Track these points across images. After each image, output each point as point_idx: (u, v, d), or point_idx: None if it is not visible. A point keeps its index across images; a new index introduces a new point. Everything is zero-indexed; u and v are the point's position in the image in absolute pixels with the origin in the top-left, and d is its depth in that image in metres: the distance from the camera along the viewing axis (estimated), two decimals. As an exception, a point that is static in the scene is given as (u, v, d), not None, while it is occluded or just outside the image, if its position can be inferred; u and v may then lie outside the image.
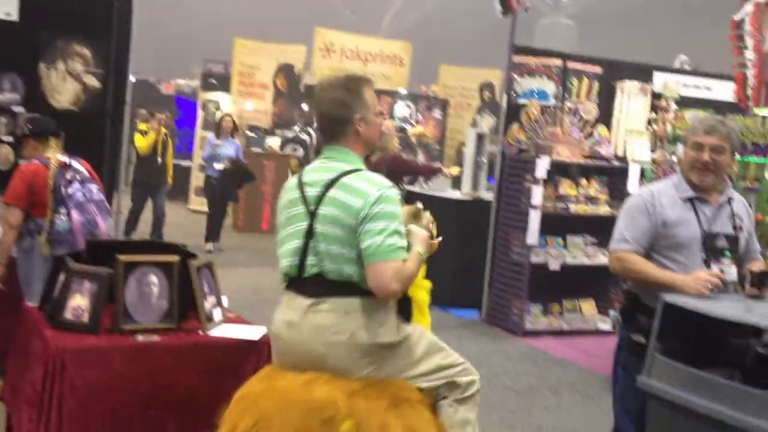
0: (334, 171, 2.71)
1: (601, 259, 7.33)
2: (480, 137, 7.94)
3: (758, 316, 3.01)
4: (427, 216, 3.24)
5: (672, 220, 3.16)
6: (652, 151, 6.70)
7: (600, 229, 7.39)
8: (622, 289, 6.89)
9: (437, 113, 15.20)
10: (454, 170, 8.73)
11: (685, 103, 6.92)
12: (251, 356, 3.29)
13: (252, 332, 3.36)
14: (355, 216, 2.61)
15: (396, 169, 8.46)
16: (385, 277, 2.58)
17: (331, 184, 2.67)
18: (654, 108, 7.38)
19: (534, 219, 6.94)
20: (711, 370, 3.07)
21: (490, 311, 7.50)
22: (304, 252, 2.70)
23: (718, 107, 6.83)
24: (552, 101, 7.12)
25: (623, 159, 7.38)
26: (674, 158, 5.85)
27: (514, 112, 7.24)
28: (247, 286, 8.21)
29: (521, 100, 7.21)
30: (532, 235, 6.96)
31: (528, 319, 7.14)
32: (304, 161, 13.31)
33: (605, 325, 7.32)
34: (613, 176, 7.34)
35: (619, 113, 7.52)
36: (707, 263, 3.15)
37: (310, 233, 2.68)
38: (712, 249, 3.18)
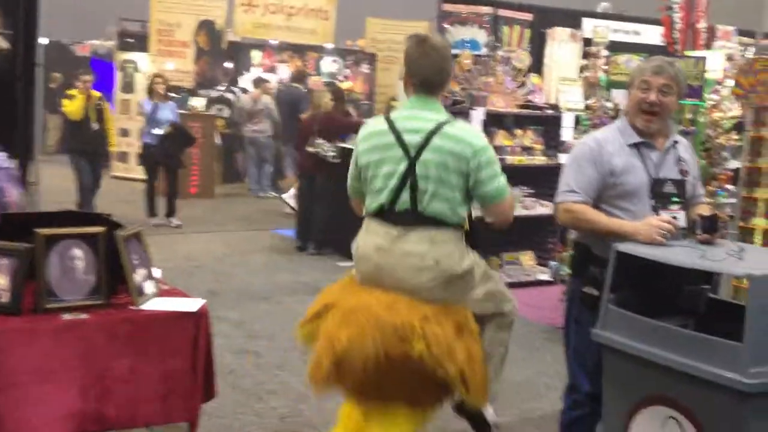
0: (431, 121, 3.02)
1: (539, 209, 7.32)
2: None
3: (710, 261, 2.97)
4: None
5: (619, 168, 3.07)
6: (586, 98, 6.64)
7: (536, 179, 7.36)
8: (561, 239, 6.89)
9: (365, 68, 14.96)
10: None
11: (615, 48, 6.86)
12: (188, 329, 3.10)
13: (188, 304, 3.16)
14: (466, 162, 2.98)
15: (328, 127, 8.25)
16: (509, 210, 3.16)
17: (433, 132, 2.99)
18: (585, 55, 7.32)
19: (471, 172, 6.83)
20: (665, 319, 3.04)
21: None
22: (397, 189, 3.03)
23: (649, 51, 6.79)
24: (484, 51, 6.99)
25: (556, 107, 7.33)
26: (609, 105, 5.79)
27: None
28: (179, 255, 7.94)
29: (453, 51, 7.04)
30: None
31: (469, 273, 7.07)
32: (230, 121, 12.95)
33: (545, 275, 7.33)
34: (548, 125, 7.29)
35: (550, 61, 7.44)
36: (656, 210, 3.08)
37: (408, 174, 3.01)
38: (660, 195, 3.11)
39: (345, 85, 12.22)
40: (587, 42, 7.32)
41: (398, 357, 2.94)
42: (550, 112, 7.26)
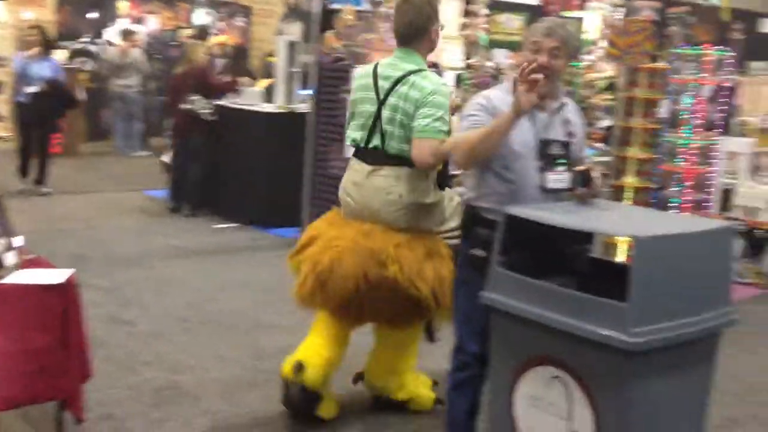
0: (402, 70, 3.38)
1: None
2: (291, 46, 7.54)
3: (597, 223, 3.00)
4: None
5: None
6: (467, 57, 6.63)
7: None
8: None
9: (240, 21, 14.47)
10: (263, 83, 8.29)
11: (496, 7, 6.88)
12: (55, 302, 2.88)
13: (54, 275, 2.92)
14: (413, 104, 3.31)
15: (203, 82, 7.92)
16: (426, 152, 3.29)
17: (399, 80, 3.36)
18: (466, 13, 7.29)
19: (352, 130, 6.73)
20: (550, 280, 3.06)
21: (312, 228, 7.28)
22: (371, 130, 3.42)
23: (528, 11, 6.86)
24: (366, 6, 6.84)
25: (437, 66, 7.28)
26: (490, 64, 5.80)
27: (327, 19, 6.89)
28: (43, 218, 7.46)
29: (334, 5, 6.87)
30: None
31: (350, 233, 7.00)
32: (95, 75, 12.22)
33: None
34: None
35: (432, 18, 7.38)
36: (542, 171, 3.07)
37: (377, 116, 3.40)
38: (546, 156, 3.09)
39: (219, 39, 11.78)
40: (468, 0, 7.30)
41: (375, 278, 3.37)
42: (431, 70, 7.20)
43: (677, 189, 6.07)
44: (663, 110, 6.17)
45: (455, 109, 5.45)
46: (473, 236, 3.11)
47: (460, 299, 3.20)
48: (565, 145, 3.13)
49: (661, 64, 6.17)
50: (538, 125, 3.09)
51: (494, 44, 5.79)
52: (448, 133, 3.35)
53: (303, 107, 7.47)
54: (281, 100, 7.62)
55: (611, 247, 5.24)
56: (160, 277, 5.88)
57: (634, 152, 5.98)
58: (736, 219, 6.22)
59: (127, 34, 11.98)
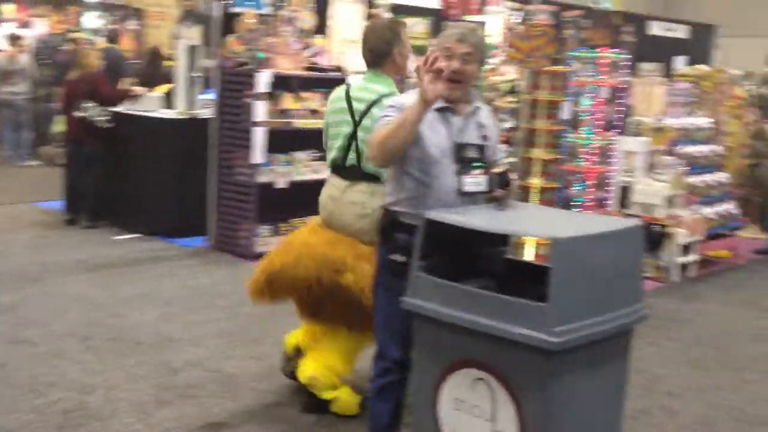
0: (375, 93, 3.60)
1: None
2: (192, 50, 7.35)
3: (516, 226, 3.03)
4: None
5: (423, 133, 3.03)
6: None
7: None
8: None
9: (133, 24, 14.03)
10: (163, 88, 8.05)
11: (398, 11, 6.91)
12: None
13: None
14: None
15: (98, 89, 7.64)
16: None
17: (373, 103, 3.58)
18: (369, 16, 7.29)
19: (258, 136, 6.62)
20: (470, 283, 3.07)
21: (219, 237, 7.13)
22: (347, 148, 3.67)
23: (431, 15, 6.92)
24: (268, 10, 6.74)
25: (341, 70, 7.27)
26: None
27: (228, 22, 6.76)
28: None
29: (236, 9, 6.73)
30: (257, 154, 6.65)
31: (258, 242, 6.89)
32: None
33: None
34: (334, 88, 7.18)
35: (334, 22, 7.35)
36: (459, 174, 3.08)
37: (353, 136, 3.64)
38: (462, 160, 3.11)
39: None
40: (371, 3, 7.30)
41: (329, 284, 3.67)
42: (335, 74, 7.18)
43: (579, 188, 6.25)
44: (564, 112, 6.34)
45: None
46: (392, 241, 3.10)
47: (381, 305, 3.18)
48: (480, 148, 3.16)
49: (561, 67, 6.34)
50: (453, 129, 3.10)
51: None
52: None
53: (205, 113, 7.30)
54: (182, 105, 7.43)
55: (523, 247, 5.33)
56: (60, 293, 5.62)
57: (539, 153, 6.12)
58: (634, 215, 6.44)
59: (14, 39, 11.43)
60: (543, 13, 7.63)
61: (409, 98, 3.08)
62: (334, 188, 3.72)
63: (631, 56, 6.71)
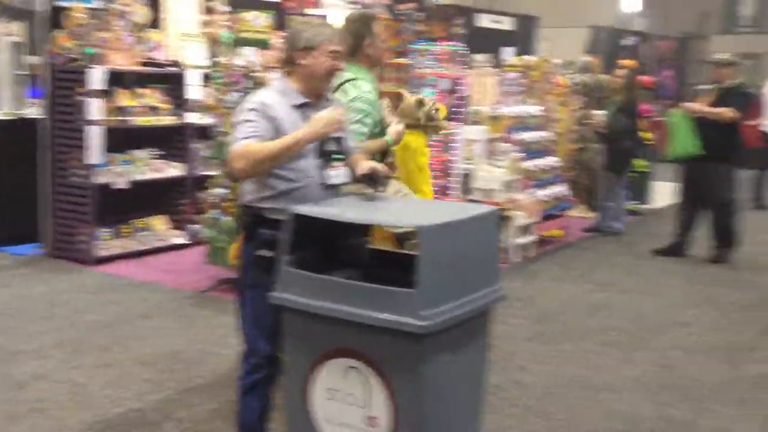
0: (341, 78, 3.70)
1: (170, 171, 7.07)
2: (16, 47, 6.90)
3: (383, 215, 3.09)
4: (428, 103, 4.69)
5: (288, 129, 3.03)
6: (211, 55, 6.50)
7: (166, 140, 7.10)
8: (195, 201, 6.73)
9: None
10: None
11: (238, 4, 6.80)
12: None
13: None
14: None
15: None
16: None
17: (338, 87, 3.71)
18: (207, 10, 7.12)
19: (93, 136, 6.33)
20: (337, 274, 3.12)
21: (55, 243, 6.75)
22: None
23: (270, 8, 6.86)
24: (98, 3, 6.44)
25: (179, 64, 7.08)
26: (240, 62, 5.72)
27: (55, 17, 6.39)
28: None
29: (62, 3, 6.38)
30: (93, 154, 6.36)
31: (98, 246, 6.60)
32: None
33: (181, 239, 7.13)
34: (173, 83, 7.01)
35: (169, 16, 7.14)
36: (323, 169, 3.11)
37: None
38: (324, 154, 3.14)
39: None
40: (206, -3, 7.14)
41: None
42: (173, 69, 6.98)
43: (425, 177, 6.43)
44: (407, 103, 6.49)
45: (213, 108, 5.36)
46: (257, 238, 3.08)
47: (249, 303, 3.14)
48: (339, 140, 3.20)
49: (404, 60, 6.49)
50: None
51: (243, 42, 5.72)
52: (366, 135, 3.70)
53: (34, 112, 6.88)
54: (7, 105, 6.96)
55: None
56: None
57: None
58: (476, 201, 6.72)
59: None
60: (378, 6, 7.78)
61: (274, 100, 3.04)
62: None
63: (466, 48, 6.99)
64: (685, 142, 6.87)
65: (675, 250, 7.35)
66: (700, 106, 6.91)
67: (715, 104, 6.89)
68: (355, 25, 3.87)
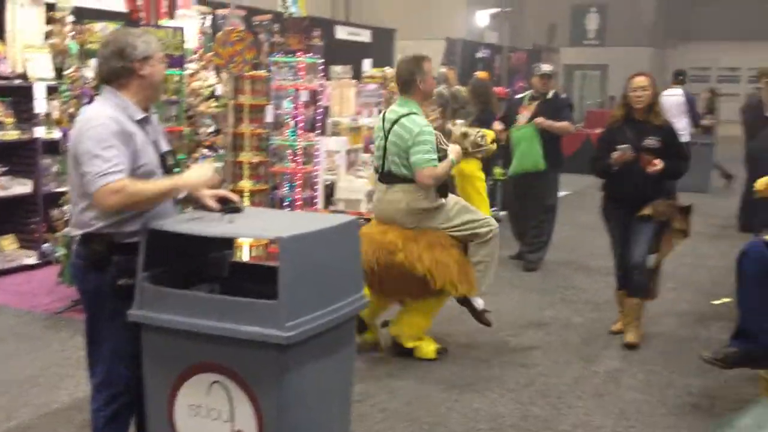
0: (397, 114, 4.69)
1: (17, 188, 6.72)
2: None
3: (243, 229, 3.07)
4: (473, 133, 5.16)
5: (139, 146, 2.94)
6: (58, 67, 6.21)
7: (11, 155, 6.75)
8: (46, 220, 6.42)
9: None
10: None
11: (84, 15, 6.54)
12: None
13: None
14: (405, 142, 4.61)
15: None
16: (423, 176, 4.58)
17: (395, 121, 4.66)
18: (50, 20, 6.80)
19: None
20: (198, 288, 3.07)
21: None
22: (383, 158, 4.74)
23: (119, 19, 6.65)
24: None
25: (25, 77, 6.75)
26: (89, 74, 5.50)
27: None
28: None
29: None
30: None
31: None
32: None
33: (31, 259, 6.78)
34: (18, 96, 6.66)
35: (13, 27, 6.79)
36: None
37: (385, 148, 4.71)
38: (168, 168, 3.07)
39: None
40: (51, 8, 6.83)
41: (385, 262, 4.65)
42: (18, 82, 6.64)
43: (288, 188, 6.43)
44: (267, 116, 6.47)
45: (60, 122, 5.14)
46: (113, 266, 2.94)
47: (109, 336, 2.99)
48: (172, 153, 3.18)
49: (262, 72, 6.46)
50: (151, 137, 3.05)
51: (91, 54, 5.50)
52: (439, 159, 4.61)
53: None
54: None
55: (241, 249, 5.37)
56: None
57: (247, 156, 6.18)
58: (339, 211, 6.76)
59: None
60: (235, 17, 7.71)
61: (119, 119, 2.89)
62: (379, 191, 4.83)
63: (323, 60, 7.03)
64: (531, 156, 7.00)
65: (521, 256, 7.54)
66: (550, 123, 6.97)
67: (537, 114, 7.05)
68: (409, 65, 4.70)
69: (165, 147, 3.11)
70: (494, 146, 5.31)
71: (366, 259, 4.43)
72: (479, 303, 4.97)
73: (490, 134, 5.30)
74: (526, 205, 7.28)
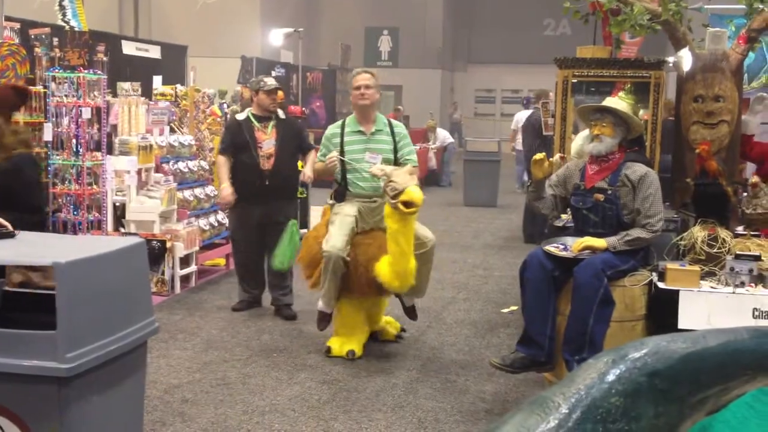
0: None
1: None
2: None
3: (17, 254, 2.82)
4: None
5: None
6: None
7: None
8: None
9: None
10: None
11: None
12: None
13: None
14: None
15: None
16: None
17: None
18: None
19: None
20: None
21: None
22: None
23: None
24: None
25: None
26: None
27: None
28: None
29: None
30: None
31: None
32: None
33: None
34: None
35: None
36: None
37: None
38: None
39: None
40: None
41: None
42: None
43: (73, 211, 6.04)
44: (47, 133, 6.06)
45: None
46: None
47: None
48: None
49: (37, 88, 6.04)
50: None
51: None
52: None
53: None
54: None
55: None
56: None
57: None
58: (131, 233, 6.45)
59: None
60: (6, 29, 7.17)
61: None
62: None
63: (108, 76, 6.71)
64: None
65: None
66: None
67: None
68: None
69: None
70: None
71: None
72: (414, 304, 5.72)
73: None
74: None
